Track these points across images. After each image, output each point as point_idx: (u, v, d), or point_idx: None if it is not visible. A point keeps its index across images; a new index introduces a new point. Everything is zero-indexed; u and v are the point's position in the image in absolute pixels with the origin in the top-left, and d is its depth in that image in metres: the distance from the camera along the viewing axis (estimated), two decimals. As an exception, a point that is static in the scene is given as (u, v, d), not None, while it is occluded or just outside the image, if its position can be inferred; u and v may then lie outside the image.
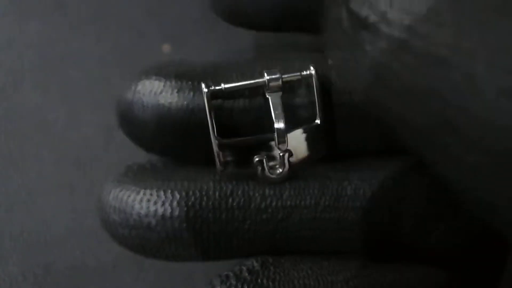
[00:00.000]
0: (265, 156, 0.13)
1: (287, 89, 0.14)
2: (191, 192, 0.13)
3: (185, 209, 0.13)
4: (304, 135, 0.14)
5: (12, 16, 0.23)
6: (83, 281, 0.18)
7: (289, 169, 0.13)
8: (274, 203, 0.13)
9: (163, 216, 0.13)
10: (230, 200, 0.13)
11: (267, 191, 0.13)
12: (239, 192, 0.13)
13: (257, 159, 0.13)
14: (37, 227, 0.18)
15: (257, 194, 0.13)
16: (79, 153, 0.20)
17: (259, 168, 0.13)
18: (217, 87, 0.13)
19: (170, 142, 0.14)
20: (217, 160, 0.13)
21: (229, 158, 0.13)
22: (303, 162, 0.14)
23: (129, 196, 0.13)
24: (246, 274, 0.13)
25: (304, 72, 0.14)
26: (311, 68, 0.13)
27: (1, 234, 0.18)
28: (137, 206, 0.13)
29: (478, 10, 0.09)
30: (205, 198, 0.13)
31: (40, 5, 0.24)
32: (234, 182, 0.13)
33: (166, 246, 0.13)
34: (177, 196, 0.13)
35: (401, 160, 0.14)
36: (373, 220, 0.13)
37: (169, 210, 0.13)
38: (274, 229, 0.13)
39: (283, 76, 0.13)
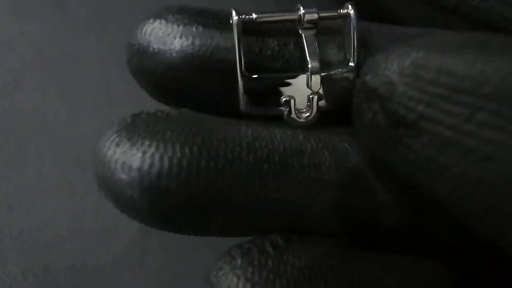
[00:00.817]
0: (293, 98, 0.12)
1: (321, 30, 0.13)
2: (222, 152, 0.11)
3: (214, 172, 0.11)
4: (334, 80, 0.13)
5: (12, 16, 0.23)
6: (83, 281, 0.18)
7: (317, 112, 0.12)
8: (311, 175, 0.12)
9: (187, 177, 0.11)
10: (265, 166, 0.11)
11: (305, 160, 0.12)
12: (276, 158, 0.12)
13: (284, 99, 0.12)
14: (37, 227, 0.18)
15: (294, 163, 0.12)
16: (79, 153, 0.20)
17: (286, 110, 0.12)
18: (248, 16, 0.12)
19: (180, 86, 0.13)
20: (241, 98, 0.12)
21: (254, 98, 0.12)
22: (331, 108, 0.13)
23: (144, 151, 0.11)
24: (270, 249, 0.11)
25: (343, 11, 0.13)
26: (350, 7, 0.13)
27: (1, 234, 0.18)
28: (156, 163, 0.11)
29: None
30: (237, 162, 0.11)
31: (40, 5, 0.24)
32: (270, 146, 0.12)
33: (183, 213, 0.11)
34: (205, 154, 0.11)
35: None
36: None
37: (194, 171, 0.11)
38: (308, 204, 0.12)
39: (319, 11, 0.12)
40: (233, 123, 0.12)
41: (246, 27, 0.12)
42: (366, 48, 0.13)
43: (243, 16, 0.12)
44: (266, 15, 0.12)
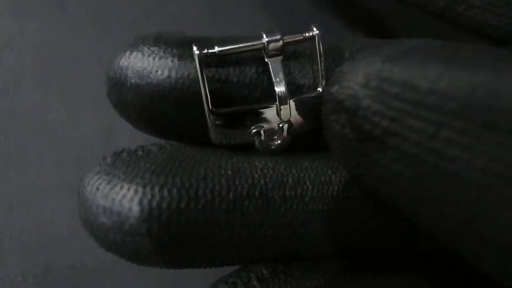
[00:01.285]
0: (262, 127, 0.12)
1: (287, 54, 0.12)
2: (201, 192, 0.11)
3: (195, 212, 0.11)
4: (303, 104, 0.12)
5: (12, 16, 0.23)
6: (82, 281, 0.18)
7: (288, 138, 0.12)
8: (294, 207, 0.12)
9: (168, 220, 0.11)
10: (246, 202, 0.11)
11: (287, 192, 0.12)
12: (256, 194, 0.11)
13: (254, 130, 0.12)
14: (37, 227, 0.18)
15: (276, 196, 0.12)
16: (79, 153, 0.20)
17: (257, 139, 0.12)
18: (210, 50, 0.12)
19: (160, 118, 0.12)
20: (211, 130, 0.12)
21: (223, 129, 0.12)
22: (303, 131, 0.13)
23: (124, 195, 0.11)
24: (255, 282, 0.11)
25: (307, 34, 0.12)
26: (314, 29, 0.12)
27: (1, 234, 0.18)
28: (135, 207, 0.11)
29: (487, 129, 0.08)
30: (217, 200, 0.11)
31: (40, 5, 0.24)
32: (250, 181, 0.12)
33: (167, 254, 0.11)
34: (185, 196, 0.11)
35: None
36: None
37: (175, 214, 0.11)
38: (292, 235, 0.12)
39: (284, 37, 0.12)
40: (214, 156, 0.12)
41: (208, 60, 0.12)
42: (338, 64, 0.13)
43: (205, 51, 0.12)
44: (229, 47, 0.12)
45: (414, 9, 0.18)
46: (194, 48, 0.12)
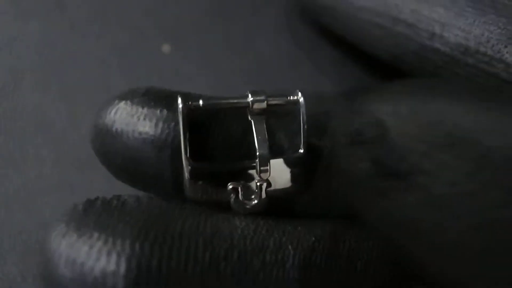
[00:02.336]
0: (240, 184, 0.12)
1: (271, 114, 0.12)
2: (175, 250, 0.10)
3: (166, 272, 0.10)
4: (284, 166, 0.12)
5: (12, 16, 0.23)
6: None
7: (265, 198, 0.12)
8: (274, 273, 0.11)
9: (136, 279, 0.10)
10: (223, 265, 0.11)
11: (267, 257, 0.11)
12: (235, 256, 0.11)
13: (231, 186, 0.12)
14: (37, 227, 0.18)
15: (255, 261, 0.11)
16: (79, 153, 0.20)
17: (233, 197, 0.12)
18: (194, 103, 0.12)
19: (141, 168, 0.12)
20: (186, 184, 0.12)
21: (200, 184, 0.12)
22: (280, 194, 0.12)
23: (91, 246, 0.10)
24: None
25: (291, 98, 0.12)
26: (299, 94, 0.12)
27: (0, 234, 0.18)
28: (102, 260, 0.10)
29: None
30: (191, 261, 0.10)
31: (40, 5, 0.24)
32: (229, 242, 0.11)
33: None
34: (157, 253, 0.10)
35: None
36: None
37: (144, 272, 0.10)
38: None
39: (268, 98, 0.12)
40: (193, 214, 0.11)
41: (205, 109, 0.12)
42: (322, 131, 0.13)
43: (189, 103, 0.12)
44: (213, 101, 0.12)
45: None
46: (179, 99, 0.12)
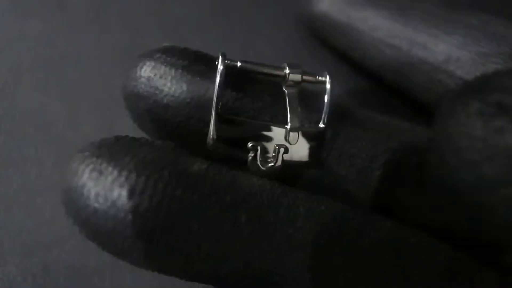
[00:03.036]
0: (260, 144, 0.13)
1: (302, 89, 0.13)
2: (201, 185, 0.11)
3: (188, 202, 0.10)
4: (305, 139, 0.13)
5: (12, 16, 0.23)
6: (82, 281, 0.18)
7: (281, 165, 0.13)
8: (285, 228, 0.11)
9: (160, 202, 0.10)
10: (240, 210, 0.11)
11: (281, 212, 0.11)
12: (252, 203, 0.11)
13: (250, 145, 0.13)
14: (37, 227, 0.18)
15: (270, 214, 0.11)
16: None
17: (251, 155, 0.13)
18: (232, 62, 0.13)
19: (171, 131, 0.13)
20: (210, 134, 0.12)
21: (223, 140, 0.12)
22: (297, 163, 0.13)
23: (121, 168, 0.11)
24: None
25: (321, 78, 0.13)
26: (327, 76, 0.13)
27: (0, 234, 0.18)
28: (131, 180, 0.10)
29: None
30: (213, 199, 0.11)
31: (40, 5, 0.24)
32: (247, 190, 0.11)
33: (148, 241, 0.10)
34: (183, 183, 0.11)
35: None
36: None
37: (168, 197, 0.10)
38: (277, 258, 0.11)
39: (303, 74, 0.13)
40: (215, 164, 0.12)
41: (242, 73, 0.13)
42: (347, 120, 0.14)
43: (228, 62, 0.13)
44: (251, 65, 0.13)
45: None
46: (220, 58, 0.12)
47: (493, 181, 0.09)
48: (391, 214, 0.13)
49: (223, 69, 0.12)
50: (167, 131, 0.13)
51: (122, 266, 0.18)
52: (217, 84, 0.12)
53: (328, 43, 0.23)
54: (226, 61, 0.12)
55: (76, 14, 0.24)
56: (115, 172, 0.10)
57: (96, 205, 0.10)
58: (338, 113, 0.14)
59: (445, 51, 0.17)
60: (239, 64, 0.13)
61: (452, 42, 0.16)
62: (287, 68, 0.13)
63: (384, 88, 0.21)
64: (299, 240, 0.11)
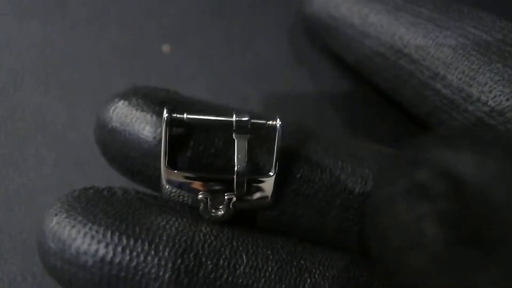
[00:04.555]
0: (209, 195, 0.13)
1: (254, 134, 0.13)
2: (140, 241, 0.12)
3: (129, 258, 0.12)
4: (257, 184, 0.13)
5: (12, 16, 0.23)
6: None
7: (231, 212, 0.13)
8: (225, 277, 0.12)
9: (103, 258, 0.12)
10: (179, 261, 0.12)
11: (221, 261, 0.12)
12: (191, 255, 0.12)
13: (200, 195, 0.13)
14: (37, 227, 0.18)
15: (209, 262, 0.12)
16: (79, 153, 0.20)
17: (202, 205, 0.13)
18: (178, 115, 0.13)
19: (130, 164, 0.14)
20: (162, 185, 0.13)
21: (176, 190, 0.13)
22: (248, 208, 0.13)
23: (73, 226, 0.12)
24: None
25: (271, 122, 0.13)
26: (277, 119, 0.13)
27: (0, 234, 0.18)
28: (78, 240, 0.12)
29: None
30: (152, 252, 0.12)
31: (40, 5, 0.24)
32: (189, 242, 0.12)
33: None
34: (124, 241, 0.12)
35: (351, 256, 0.13)
36: None
37: (110, 254, 0.12)
38: None
39: (251, 120, 0.13)
40: (170, 212, 0.13)
41: (190, 122, 0.13)
42: (302, 158, 0.14)
43: (175, 115, 0.13)
44: (197, 116, 0.13)
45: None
46: (165, 110, 0.13)
47: (415, 270, 0.09)
48: (347, 251, 0.13)
49: (167, 123, 0.13)
50: (131, 177, 0.14)
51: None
52: (163, 138, 0.13)
53: (325, 44, 0.23)
54: (172, 114, 0.13)
55: (76, 14, 0.24)
56: (66, 232, 0.12)
57: (54, 260, 0.12)
58: (294, 151, 0.14)
59: (432, 67, 0.16)
60: (186, 116, 0.13)
61: (439, 56, 0.16)
62: (234, 116, 0.13)
63: (379, 94, 0.21)
64: (238, 286, 0.12)
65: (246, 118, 0.13)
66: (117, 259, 0.12)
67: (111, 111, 0.14)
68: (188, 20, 0.24)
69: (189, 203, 0.13)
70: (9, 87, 0.21)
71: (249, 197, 0.13)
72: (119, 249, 0.12)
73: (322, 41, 0.23)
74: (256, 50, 0.23)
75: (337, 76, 0.23)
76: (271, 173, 0.13)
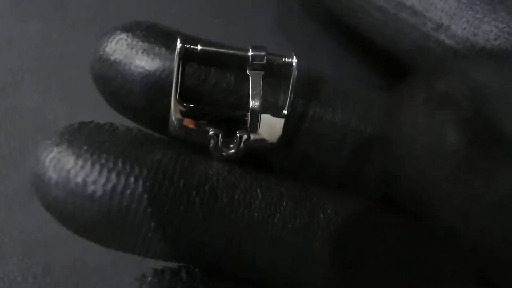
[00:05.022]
0: (221, 132, 0.12)
1: (269, 71, 0.13)
2: (153, 172, 0.11)
3: (141, 189, 0.11)
4: (270, 122, 0.13)
5: (12, 16, 0.23)
6: (82, 281, 0.18)
7: (242, 150, 0.13)
8: (240, 211, 0.12)
9: (113, 189, 0.11)
10: (194, 193, 0.11)
11: (236, 195, 0.12)
12: (206, 188, 0.12)
13: (212, 132, 0.12)
14: (37, 227, 0.18)
15: (224, 195, 0.12)
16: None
17: (213, 142, 0.12)
18: (192, 46, 0.12)
19: (141, 102, 0.13)
20: (171, 119, 0.12)
21: (184, 126, 0.12)
22: (260, 147, 0.13)
23: (78, 155, 0.11)
24: (184, 275, 0.12)
25: (287, 59, 0.13)
26: (294, 57, 0.13)
27: (0, 233, 0.18)
28: (86, 169, 0.11)
29: None
30: (166, 183, 0.11)
31: (40, 5, 0.24)
32: (203, 175, 0.12)
33: (103, 226, 0.11)
34: (136, 171, 0.11)
35: (369, 197, 0.13)
36: (340, 254, 0.12)
37: (121, 185, 0.11)
38: (231, 238, 0.11)
39: (268, 56, 0.13)
40: (175, 148, 0.12)
41: (205, 56, 0.12)
42: (314, 96, 0.13)
43: (188, 45, 0.12)
44: (212, 49, 0.12)
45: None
46: (178, 40, 0.12)
47: (433, 177, 0.10)
48: (357, 189, 0.13)
49: (181, 54, 0.12)
50: (132, 115, 0.14)
51: (123, 266, 0.18)
52: (175, 70, 0.12)
53: (324, 6, 0.22)
54: (185, 45, 0.12)
55: (76, 14, 0.24)
56: (71, 161, 0.11)
57: (56, 191, 0.11)
58: (306, 91, 0.13)
59: (436, 18, 0.16)
60: (199, 47, 0.12)
61: (443, 7, 0.16)
62: (251, 50, 0.13)
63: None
64: (253, 221, 0.11)
65: (263, 53, 0.12)
66: (128, 190, 0.11)
67: (113, 43, 0.13)
68: (188, 20, 0.24)
69: (198, 140, 0.13)
70: (9, 87, 0.21)
71: (261, 136, 0.13)
72: (131, 179, 0.11)
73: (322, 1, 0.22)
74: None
75: (338, 76, 0.23)
76: (285, 112, 0.13)
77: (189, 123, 0.12)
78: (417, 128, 0.10)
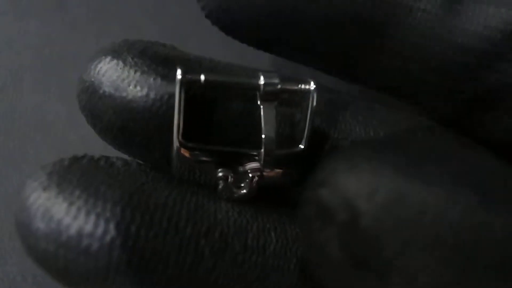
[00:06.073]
0: (230, 173, 0.11)
1: (281, 99, 0.11)
2: (157, 218, 0.10)
3: (144, 240, 0.09)
4: (283, 159, 0.11)
5: (12, 16, 0.23)
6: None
7: (255, 189, 0.11)
8: (254, 258, 0.10)
9: (112, 242, 0.09)
10: (203, 242, 0.10)
11: (249, 240, 0.10)
12: (216, 235, 0.10)
13: (220, 174, 0.11)
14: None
15: (236, 242, 0.10)
16: (79, 153, 0.20)
17: (222, 184, 0.11)
18: (194, 77, 0.11)
19: (127, 136, 0.11)
20: (173, 162, 0.11)
21: (188, 165, 0.11)
22: (272, 184, 0.11)
23: (71, 203, 0.09)
24: None
25: (304, 86, 0.11)
26: (311, 82, 0.11)
27: (0, 234, 0.18)
28: (80, 219, 0.09)
29: None
30: (172, 232, 0.10)
31: (40, 5, 0.24)
32: (212, 220, 0.10)
33: (101, 279, 0.09)
34: (138, 219, 0.10)
35: None
36: None
37: (121, 237, 0.09)
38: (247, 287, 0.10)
39: (281, 83, 0.11)
40: (179, 188, 0.11)
41: (208, 86, 0.11)
42: (332, 124, 0.12)
43: (190, 76, 0.10)
44: (218, 78, 0.11)
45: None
46: (178, 71, 0.10)
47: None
48: None
49: (182, 88, 0.10)
50: (129, 152, 0.12)
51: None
52: (177, 107, 0.10)
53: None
54: (187, 76, 0.10)
55: (76, 14, 0.24)
56: (62, 210, 0.09)
57: (45, 245, 0.10)
58: (323, 120, 0.12)
59: None
60: (202, 78, 0.11)
61: None
62: (262, 77, 0.11)
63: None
64: (268, 267, 0.10)
65: (276, 81, 0.11)
66: (130, 242, 0.09)
67: (101, 72, 0.11)
68: (188, 20, 0.24)
69: (205, 181, 0.11)
70: (9, 87, 0.21)
71: (275, 173, 0.11)
72: (133, 228, 0.09)
73: None
74: (256, 50, 0.23)
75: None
76: (301, 146, 0.11)
77: (194, 165, 0.11)
78: (312, 236, 0.09)
